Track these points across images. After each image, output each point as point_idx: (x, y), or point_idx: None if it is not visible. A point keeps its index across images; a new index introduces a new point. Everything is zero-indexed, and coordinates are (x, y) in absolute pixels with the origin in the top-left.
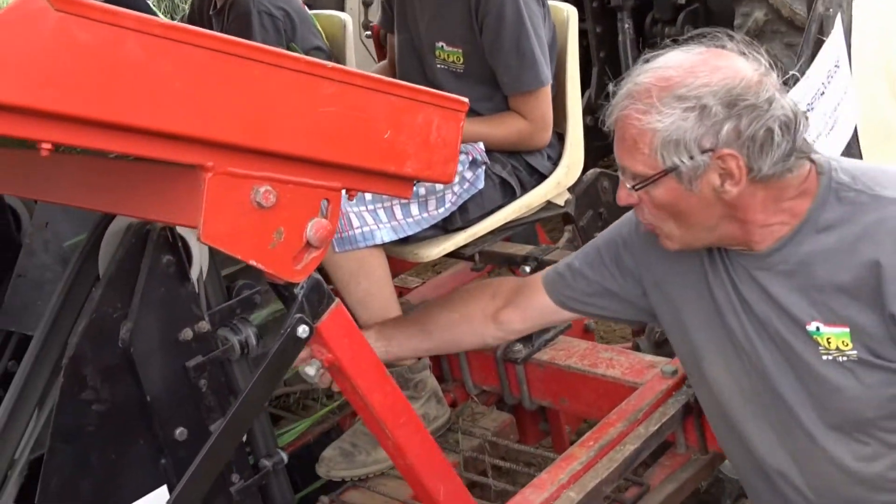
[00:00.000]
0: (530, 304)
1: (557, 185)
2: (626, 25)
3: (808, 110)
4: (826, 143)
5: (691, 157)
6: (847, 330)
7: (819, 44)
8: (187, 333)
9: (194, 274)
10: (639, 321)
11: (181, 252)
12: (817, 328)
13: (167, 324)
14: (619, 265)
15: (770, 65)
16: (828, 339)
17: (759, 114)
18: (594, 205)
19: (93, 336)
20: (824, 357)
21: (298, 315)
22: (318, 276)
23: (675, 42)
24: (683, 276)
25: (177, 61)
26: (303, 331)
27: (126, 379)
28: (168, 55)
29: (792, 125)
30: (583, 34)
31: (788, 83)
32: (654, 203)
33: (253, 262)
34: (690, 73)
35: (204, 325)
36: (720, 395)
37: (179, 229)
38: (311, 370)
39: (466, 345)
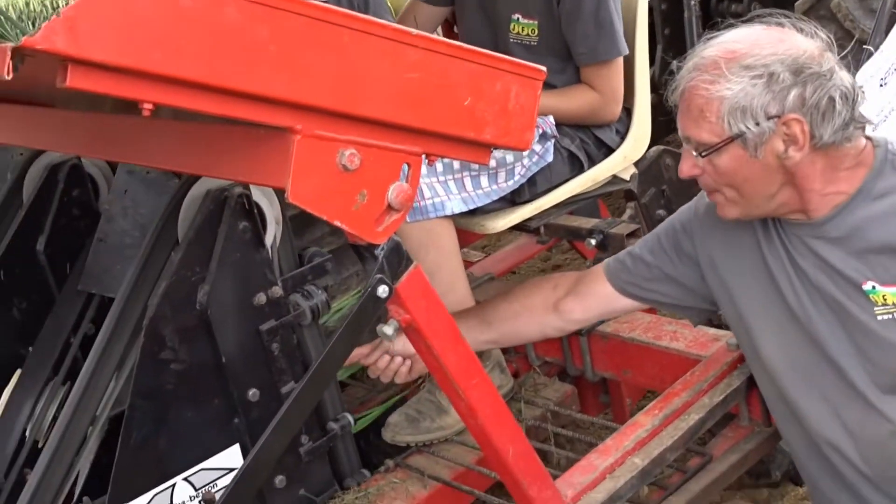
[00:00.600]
0: (591, 292)
1: (624, 160)
2: (693, 2)
3: (882, 85)
4: (893, 125)
5: (757, 124)
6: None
7: (894, 18)
8: (261, 298)
9: (269, 240)
10: (698, 309)
11: (257, 219)
12: (873, 287)
13: (242, 288)
14: (678, 250)
15: (830, 41)
16: (884, 296)
17: (823, 82)
18: (657, 182)
19: (172, 298)
20: (880, 317)
21: (379, 276)
22: (398, 239)
23: (737, 21)
24: (740, 254)
25: (272, 26)
26: (383, 290)
27: (203, 340)
28: (264, 20)
29: (851, 96)
30: (648, 11)
31: (861, 56)
32: (717, 172)
33: (337, 223)
34: (756, 44)
35: (277, 291)
36: (774, 372)
37: (255, 196)
38: (388, 329)
39: (527, 335)
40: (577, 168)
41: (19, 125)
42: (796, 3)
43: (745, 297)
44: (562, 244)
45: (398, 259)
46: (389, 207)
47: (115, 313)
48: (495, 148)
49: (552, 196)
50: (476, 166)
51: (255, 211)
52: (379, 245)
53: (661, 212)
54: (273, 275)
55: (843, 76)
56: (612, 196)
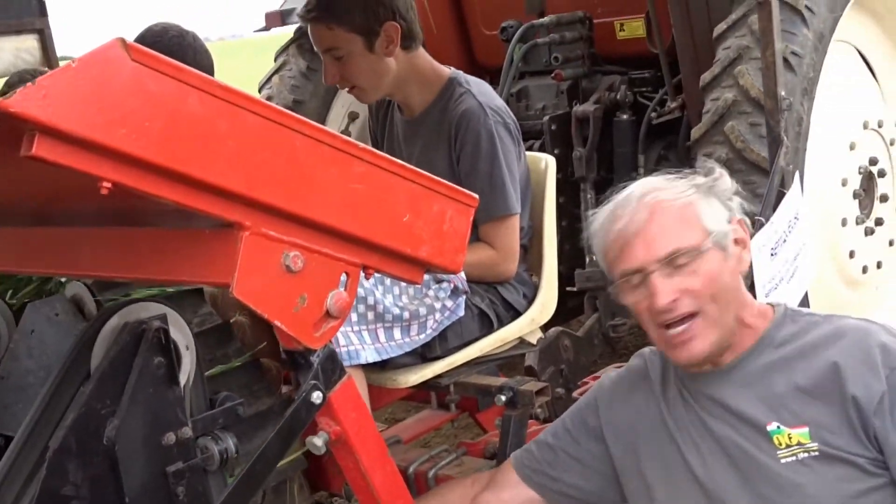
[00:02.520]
0: (505, 483)
1: (531, 323)
2: (589, 196)
3: (773, 255)
4: (787, 290)
5: (723, 226)
6: (806, 430)
7: (781, 195)
8: (170, 438)
9: (182, 378)
10: (602, 497)
11: (173, 355)
12: (777, 427)
13: (152, 426)
14: (584, 426)
15: None
16: (788, 436)
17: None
18: (556, 361)
19: (79, 430)
20: (784, 460)
21: (314, 382)
22: (334, 347)
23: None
24: (643, 420)
25: (231, 122)
26: (317, 397)
27: (107, 478)
28: (224, 115)
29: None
30: None
31: (755, 226)
32: (702, 281)
33: (277, 323)
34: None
35: (187, 431)
36: None
37: (172, 332)
38: (318, 441)
39: None
40: (487, 327)
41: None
42: (692, 130)
43: (649, 464)
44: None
45: (332, 367)
46: (328, 314)
47: (13, 451)
48: (428, 268)
49: (463, 353)
50: (389, 318)
51: (172, 347)
52: (315, 351)
53: (559, 390)
54: (184, 415)
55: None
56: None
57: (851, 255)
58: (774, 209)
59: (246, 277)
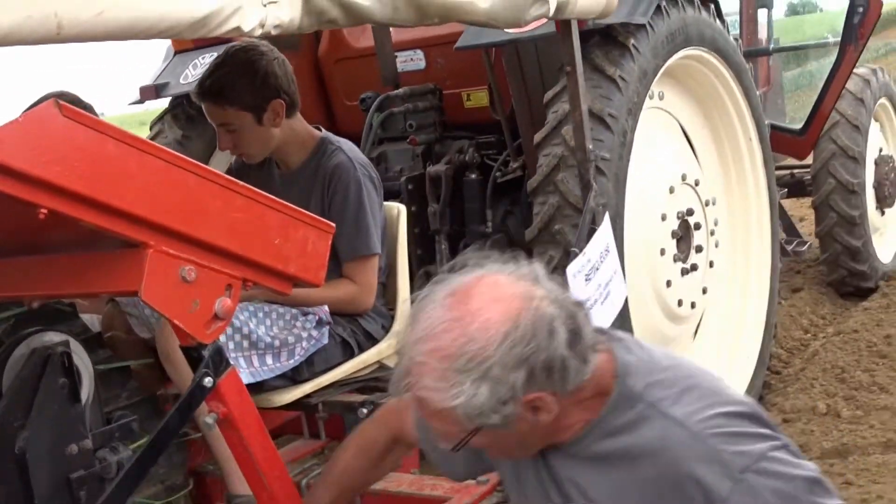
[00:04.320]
0: (403, 440)
1: (389, 348)
2: (443, 246)
3: (587, 280)
4: (600, 311)
5: (498, 412)
6: None
7: (592, 231)
8: (73, 448)
9: (83, 397)
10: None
11: (75, 376)
12: None
13: (57, 438)
14: None
15: (536, 274)
16: None
17: (546, 350)
18: None
19: None
20: None
21: (205, 370)
22: (220, 344)
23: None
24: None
25: (139, 163)
26: (208, 381)
27: (18, 482)
28: (134, 158)
29: (578, 333)
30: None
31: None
32: (487, 443)
33: (176, 322)
34: (462, 336)
35: (87, 444)
36: None
37: (75, 359)
38: (209, 419)
39: (382, 475)
40: (349, 353)
41: None
42: (529, 181)
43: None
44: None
45: (220, 359)
46: (216, 316)
47: None
48: (295, 281)
49: (329, 375)
50: (262, 346)
51: (74, 370)
52: (206, 346)
53: None
54: (85, 429)
55: (561, 316)
56: None
57: (668, 284)
58: (587, 242)
59: (151, 286)
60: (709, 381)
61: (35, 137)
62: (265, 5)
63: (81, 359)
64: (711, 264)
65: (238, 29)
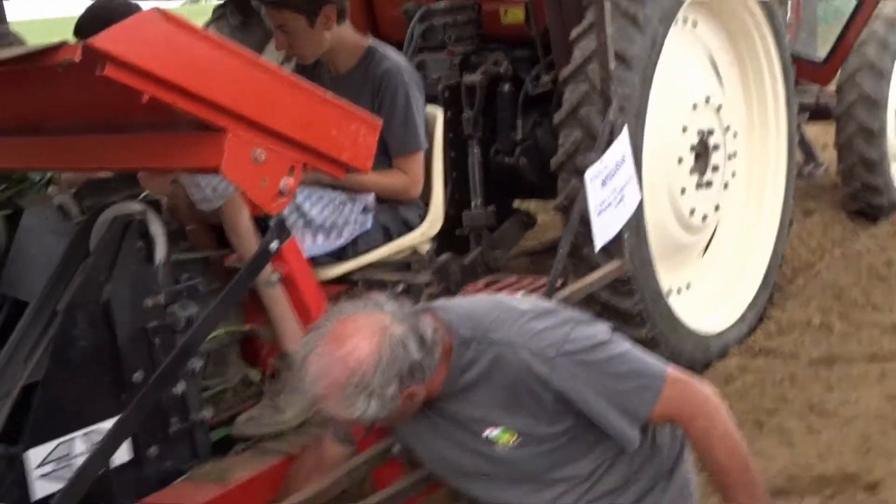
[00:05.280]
0: (330, 458)
1: (422, 236)
2: (475, 151)
3: (603, 184)
4: (615, 212)
5: (389, 410)
6: (506, 429)
7: (610, 142)
8: (148, 302)
9: (157, 258)
10: None
11: (151, 240)
12: (487, 435)
13: (135, 292)
14: None
15: (378, 302)
16: (498, 438)
17: (407, 361)
18: (446, 282)
19: (85, 291)
20: (500, 449)
21: (271, 236)
22: (284, 216)
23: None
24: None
25: (223, 61)
26: (274, 245)
27: (104, 327)
28: (219, 56)
29: (423, 336)
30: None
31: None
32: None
33: (249, 195)
34: (345, 371)
35: (160, 299)
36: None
37: (150, 226)
38: (273, 277)
39: None
40: (388, 238)
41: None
42: (555, 115)
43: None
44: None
45: (283, 228)
46: (280, 192)
47: (30, 312)
48: (347, 168)
49: (369, 256)
50: (315, 225)
51: (150, 235)
52: (273, 217)
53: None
54: (158, 286)
55: (405, 331)
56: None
57: (683, 192)
58: (605, 151)
59: (229, 164)
60: (506, 305)
61: (142, 36)
62: None
63: (155, 226)
64: (726, 186)
65: None
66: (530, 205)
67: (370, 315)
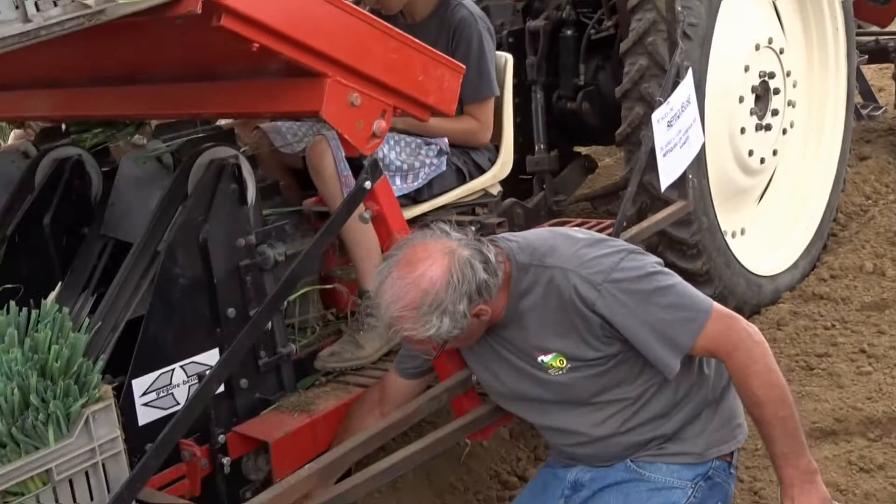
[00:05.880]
0: (395, 393)
1: (493, 178)
2: (539, 96)
3: (669, 126)
4: (680, 153)
5: (460, 328)
6: (556, 354)
7: (676, 84)
8: (241, 242)
9: (249, 200)
10: None
11: (244, 183)
12: (541, 360)
13: (229, 232)
14: None
15: (446, 230)
16: (551, 363)
17: (474, 281)
18: (511, 226)
19: (184, 231)
20: (552, 373)
21: (366, 175)
22: (376, 158)
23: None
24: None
25: (324, 11)
26: (367, 184)
27: (202, 265)
28: (321, 7)
29: (487, 259)
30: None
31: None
32: (443, 351)
33: (346, 137)
34: (419, 293)
35: (251, 239)
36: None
37: (243, 170)
38: (366, 215)
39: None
40: (461, 180)
41: (125, 101)
42: (621, 44)
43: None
44: None
45: (376, 168)
46: (374, 134)
47: (134, 252)
48: (433, 111)
49: (443, 198)
50: (393, 168)
51: (242, 178)
52: (367, 157)
53: None
54: (249, 227)
55: (476, 251)
56: None
57: (742, 131)
58: (671, 93)
59: (328, 107)
60: (563, 234)
61: None
62: None
63: (247, 170)
64: (785, 132)
65: None
66: (590, 151)
67: (438, 241)
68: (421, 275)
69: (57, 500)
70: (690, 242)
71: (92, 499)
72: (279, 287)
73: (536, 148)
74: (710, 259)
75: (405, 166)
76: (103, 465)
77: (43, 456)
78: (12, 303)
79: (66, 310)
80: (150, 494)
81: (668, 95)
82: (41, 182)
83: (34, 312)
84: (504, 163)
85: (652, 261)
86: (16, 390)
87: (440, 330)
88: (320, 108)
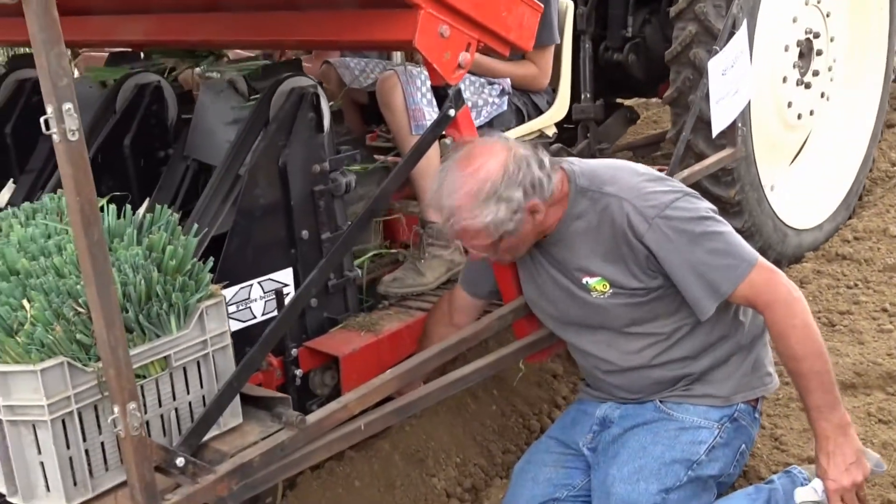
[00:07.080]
0: (462, 305)
1: (549, 119)
2: (587, 45)
3: (724, 74)
4: (733, 100)
5: (515, 222)
6: (602, 279)
7: (732, 34)
8: (316, 168)
9: (325, 128)
10: None
11: (321, 112)
12: (586, 281)
13: (306, 158)
14: None
15: (504, 136)
16: (594, 286)
17: (529, 175)
18: None
19: (265, 155)
20: (594, 296)
21: (450, 104)
22: (460, 88)
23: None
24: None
25: None
26: (451, 112)
27: (280, 187)
28: None
29: (542, 161)
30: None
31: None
32: (497, 253)
33: (434, 66)
34: (477, 182)
35: (325, 166)
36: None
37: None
38: (448, 141)
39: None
40: (520, 119)
41: (209, 28)
42: (671, 8)
43: (527, 287)
44: None
45: (459, 98)
46: (459, 65)
47: (217, 174)
48: (513, 47)
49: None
50: None
51: (320, 107)
52: (451, 86)
53: None
54: (324, 154)
55: (531, 154)
56: None
57: (784, 80)
58: (727, 43)
59: (421, 37)
60: (625, 166)
61: None
62: None
63: (324, 100)
64: (823, 94)
65: None
66: (631, 103)
67: (496, 141)
68: (478, 168)
69: (173, 385)
70: (733, 202)
71: (202, 387)
72: (368, 208)
73: (583, 96)
74: (743, 191)
75: (469, 104)
76: (213, 357)
77: (164, 343)
78: (128, 206)
79: (176, 215)
80: (250, 388)
81: (724, 45)
82: (122, 106)
83: (148, 216)
84: (561, 105)
85: (706, 206)
86: (142, 281)
87: (496, 217)
88: (413, 37)
